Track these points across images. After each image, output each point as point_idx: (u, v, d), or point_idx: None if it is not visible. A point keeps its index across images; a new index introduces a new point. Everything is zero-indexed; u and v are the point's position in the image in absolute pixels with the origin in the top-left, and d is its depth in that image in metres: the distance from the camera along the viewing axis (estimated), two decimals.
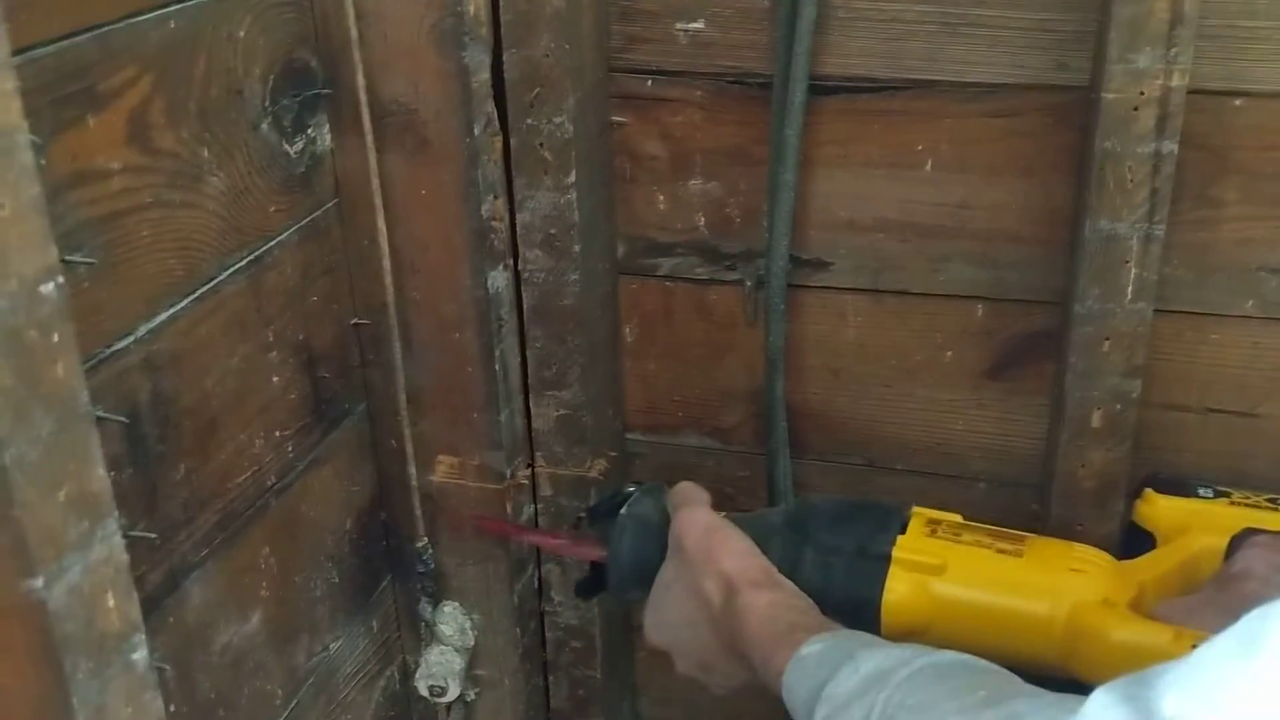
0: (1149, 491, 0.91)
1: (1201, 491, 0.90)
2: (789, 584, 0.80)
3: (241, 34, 0.80)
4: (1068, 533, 0.95)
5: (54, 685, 0.50)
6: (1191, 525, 0.87)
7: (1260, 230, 0.91)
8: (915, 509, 0.87)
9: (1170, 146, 0.84)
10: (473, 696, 1.10)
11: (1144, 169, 0.85)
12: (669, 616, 0.84)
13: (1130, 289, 0.88)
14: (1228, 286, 0.94)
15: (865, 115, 0.96)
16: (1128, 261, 0.88)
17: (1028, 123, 0.93)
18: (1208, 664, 0.46)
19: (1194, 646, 0.47)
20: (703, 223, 1.03)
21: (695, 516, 0.85)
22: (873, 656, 0.66)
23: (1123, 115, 0.84)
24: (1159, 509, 0.90)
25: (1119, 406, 0.92)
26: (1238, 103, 0.88)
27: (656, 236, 1.04)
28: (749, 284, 1.03)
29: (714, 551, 0.81)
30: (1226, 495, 0.89)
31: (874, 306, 1.02)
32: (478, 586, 1.06)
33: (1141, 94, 0.83)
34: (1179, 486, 0.90)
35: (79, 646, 0.50)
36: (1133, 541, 0.90)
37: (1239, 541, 0.83)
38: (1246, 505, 0.88)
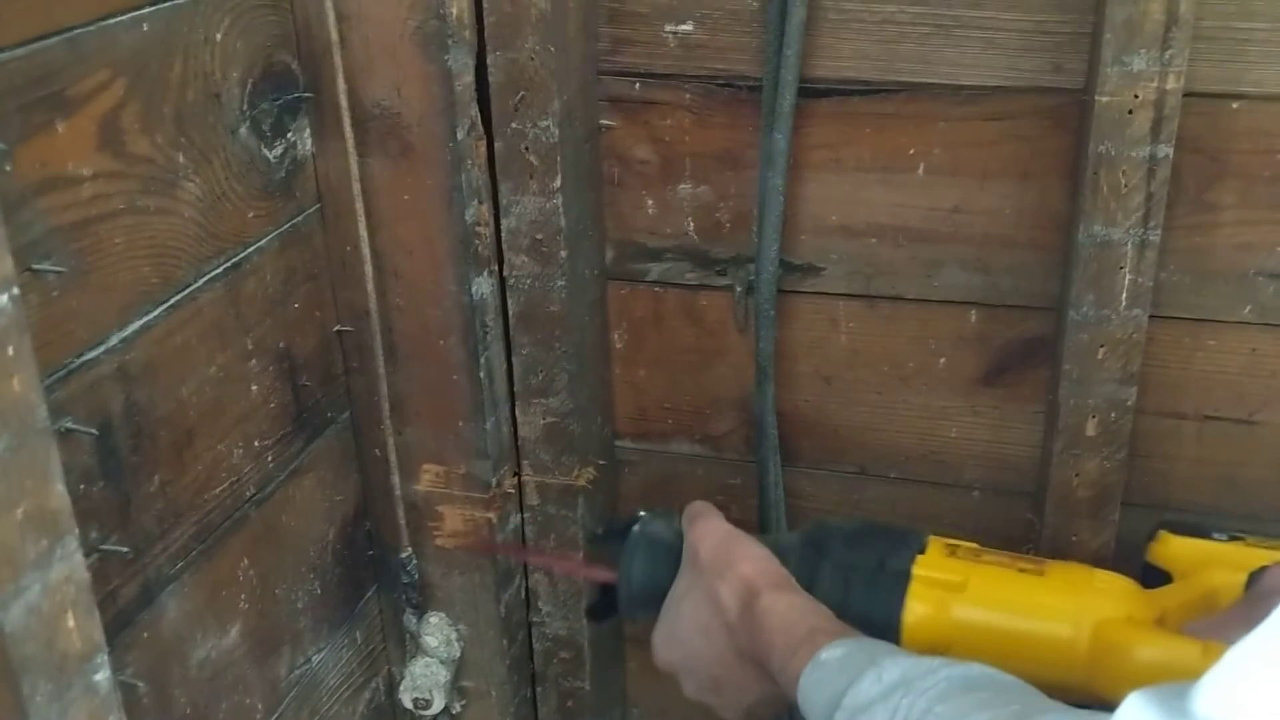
0: (1164, 533, 0.90)
1: (1216, 535, 0.89)
2: (807, 593, 0.79)
3: (219, 36, 0.78)
4: (1063, 542, 0.93)
5: (12, 708, 0.49)
6: (1210, 562, 0.86)
7: (1258, 235, 0.90)
8: (933, 535, 0.86)
9: (1165, 150, 0.83)
10: (459, 709, 1.09)
11: (1139, 173, 0.84)
12: (682, 629, 0.82)
13: (1125, 295, 0.87)
14: (1225, 292, 0.92)
15: (857, 118, 0.95)
16: (1122, 267, 0.86)
17: (1022, 126, 0.92)
18: (1240, 662, 0.44)
19: None
20: (692, 227, 1.01)
21: (711, 526, 0.84)
22: (897, 664, 0.64)
23: (1117, 118, 0.83)
24: (1175, 548, 0.88)
25: (1114, 414, 0.91)
26: (1235, 105, 0.87)
27: (645, 241, 1.03)
28: (739, 289, 1.02)
29: (733, 556, 0.80)
30: (1240, 539, 0.88)
31: (866, 312, 1.01)
32: (464, 597, 1.05)
33: (1136, 97, 0.82)
34: (1193, 529, 0.89)
35: (38, 668, 0.49)
36: (1149, 580, 0.89)
37: (1260, 573, 0.82)
38: (1263, 548, 0.87)
